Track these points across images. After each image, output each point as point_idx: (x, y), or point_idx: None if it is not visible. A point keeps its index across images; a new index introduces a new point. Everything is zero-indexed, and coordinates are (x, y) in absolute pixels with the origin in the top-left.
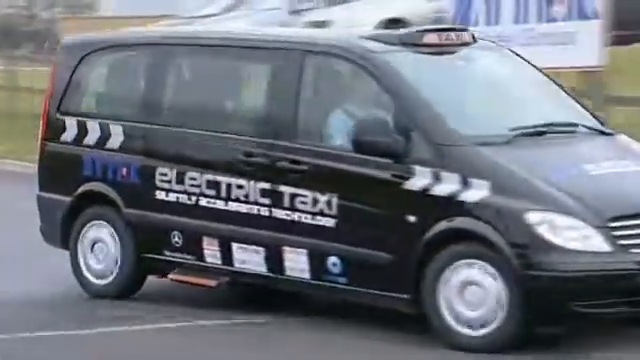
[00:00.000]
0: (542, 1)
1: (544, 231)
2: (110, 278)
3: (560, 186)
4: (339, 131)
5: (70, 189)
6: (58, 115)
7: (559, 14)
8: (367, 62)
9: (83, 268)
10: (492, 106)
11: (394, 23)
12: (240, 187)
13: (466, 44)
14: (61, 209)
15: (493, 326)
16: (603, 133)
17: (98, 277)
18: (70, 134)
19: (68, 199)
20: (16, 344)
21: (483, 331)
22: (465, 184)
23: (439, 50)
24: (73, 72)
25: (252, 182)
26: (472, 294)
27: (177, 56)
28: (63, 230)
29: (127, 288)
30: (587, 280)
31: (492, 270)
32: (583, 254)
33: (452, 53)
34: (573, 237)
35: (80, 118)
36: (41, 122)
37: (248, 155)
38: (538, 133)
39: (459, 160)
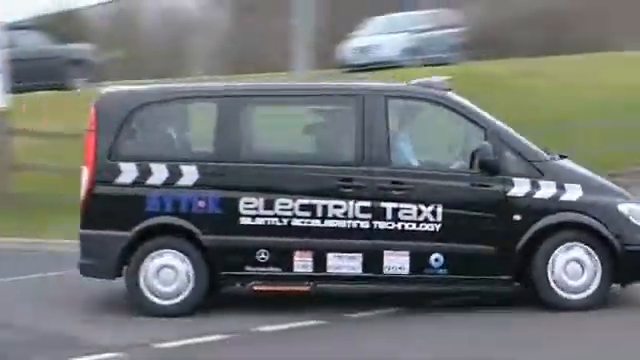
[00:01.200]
0: None
1: (631, 217)
2: (180, 298)
3: (612, 185)
4: (428, 155)
5: (130, 224)
6: (109, 161)
7: None
8: (450, 102)
9: (146, 292)
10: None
11: None
12: (338, 207)
13: None
14: (119, 243)
15: (591, 290)
16: None
17: (165, 298)
18: (128, 177)
19: (128, 234)
20: None
21: (583, 295)
22: (562, 188)
23: None
24: (124, 122)
25: (351, 202)
26: (573, 268)
27: (259, 105)
28: (120, 261)
29: (196, 304)
30: None
31: (590, 249)
32: None
33: None
34: None
35: (141, 162)
36: (87, 168)
37: (347, 180)
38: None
39: (551, 171)
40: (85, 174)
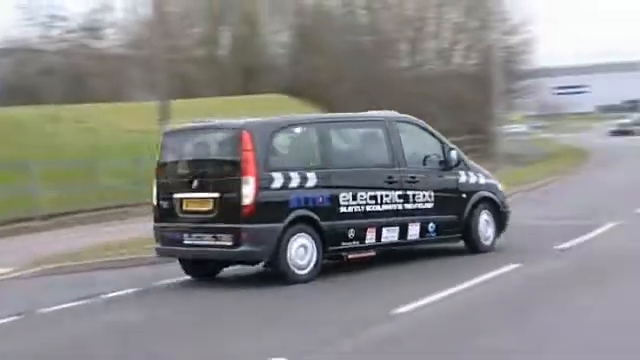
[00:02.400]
0: None
1: (503, 191)
2: (309, 269)
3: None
4: (423, 159)
5: (283, 217)
6: (265, 172)
7: None
8: (425, 125)
9: (291, 265)
10: None
11: None
12: (387, 196)
13: None
14: (276, 232)
15: (491, 239)
16: None
17: (300, 269)
18: (278, 183)
19: (282, 225)
20: None
21: (490, 241)
22: (477, 176)
23: None
24: (269, 143)
25: (392, 192)
26: (486, 223)
27: (333, 128)
28: (277, 245)
29: (317, 273)
30: None
31: (490, 212)
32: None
33: None
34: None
35: (284, 172)
36: (252, 178)
37: (390, 177)
38: None
39: (472, 167)
40: (251, 183)
